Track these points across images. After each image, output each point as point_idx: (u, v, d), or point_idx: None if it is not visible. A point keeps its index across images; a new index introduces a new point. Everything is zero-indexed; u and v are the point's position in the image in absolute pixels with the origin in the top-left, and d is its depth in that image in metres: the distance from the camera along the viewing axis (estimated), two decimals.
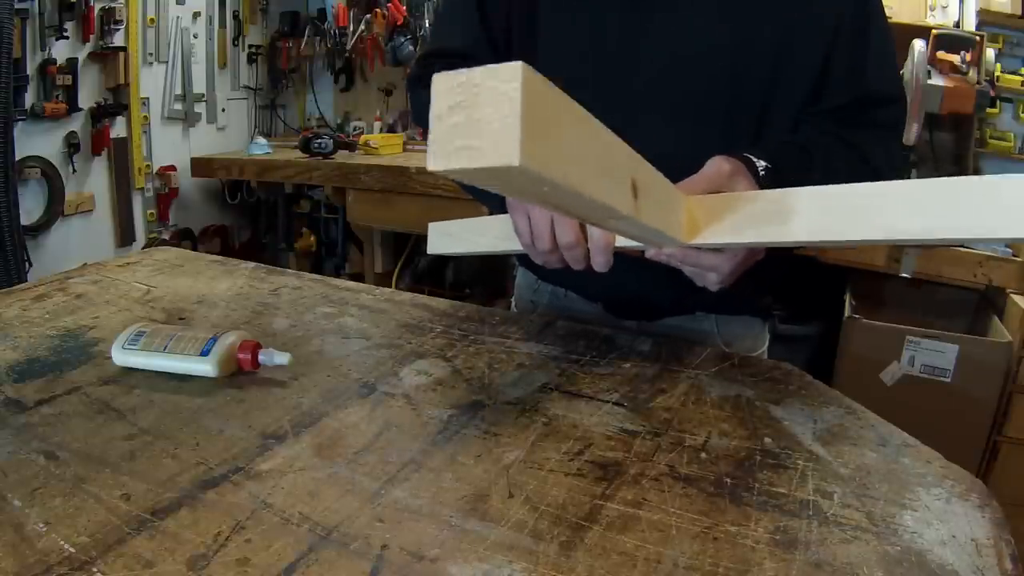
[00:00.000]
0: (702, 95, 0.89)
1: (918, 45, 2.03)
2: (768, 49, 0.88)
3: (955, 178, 0.53)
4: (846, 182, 0.72)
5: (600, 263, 0.71)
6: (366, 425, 0.66)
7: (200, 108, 3.13)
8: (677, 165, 0.85)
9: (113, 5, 2.60)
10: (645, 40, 0.88)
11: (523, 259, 1.01)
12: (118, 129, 2.76)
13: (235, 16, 3.27)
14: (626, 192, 0.49)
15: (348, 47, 3.23)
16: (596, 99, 0.79)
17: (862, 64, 0.92)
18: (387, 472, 0.59)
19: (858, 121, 0.93)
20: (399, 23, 3.09)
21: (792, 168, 0.81)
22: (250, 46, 3.40)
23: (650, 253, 0.72)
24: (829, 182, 0.71)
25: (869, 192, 0.57)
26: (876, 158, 0.91)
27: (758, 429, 0.68)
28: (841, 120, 0.92)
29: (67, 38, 2.47)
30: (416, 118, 1.32)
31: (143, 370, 0.75)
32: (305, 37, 3.35)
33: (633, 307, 0.99)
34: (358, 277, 3.06)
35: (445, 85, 0.36)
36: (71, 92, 2.49)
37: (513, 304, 1.15)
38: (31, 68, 2.38)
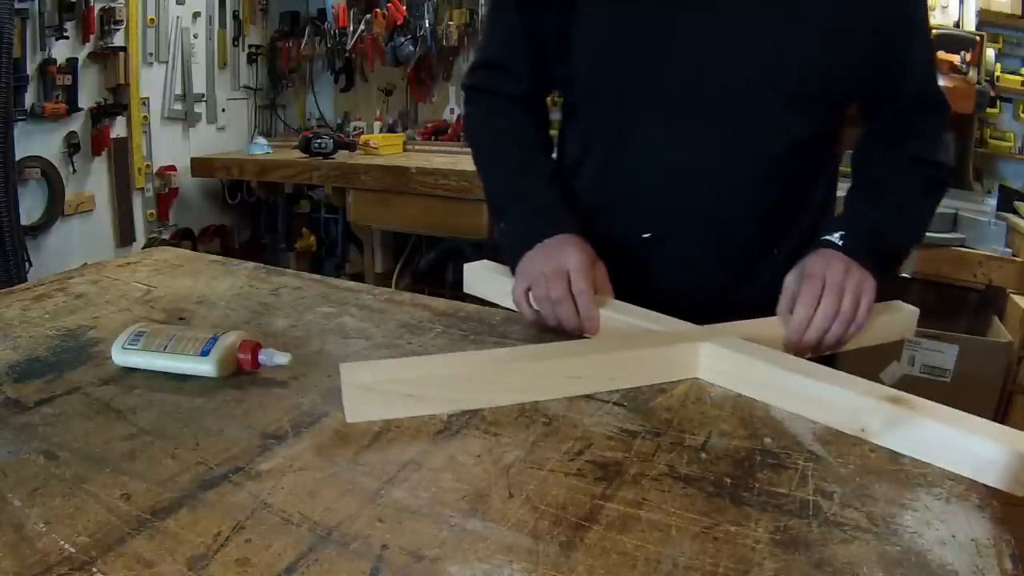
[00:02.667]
0: (740, 96, 0.88)
1: None
2: (808, 52, 0.88)
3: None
4: (922, 197, 0.93)
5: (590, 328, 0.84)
6: (366, 425, 0.66)
7: (200, 108, 3.13)
8: (715, 172, 0.89)
9: (113, 5, 2.60)
10: (681, 38, 0.88)
11: None
12: (118, 129, 2.77)
13: (235, 16, 3.27)
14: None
15: (348, 47, 3.24)
16: (633, 98, 0.88)
17: (911, 69, 0.95)
18: (387, 472, 0.59)
19: (908, 130, 0.98)
20: (399, 23, 3.09)
21: (867, 218, 0.90)
22: (250, 46, 3.40)
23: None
24: (906, 208, 0.90)
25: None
26: (939, 153, 0.98)
27: (758, 429, 0.68)
28: (893, 134, 0.98)
29: (67, 38, 2.47)
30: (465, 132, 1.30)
31: (143, 370, 0.75)
32: (305, 37, 3.35)
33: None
34: (358, 277, 3.06)
35: None
36: (71, 92, 2.49)
37: None
38: (31, 68, 2.38)
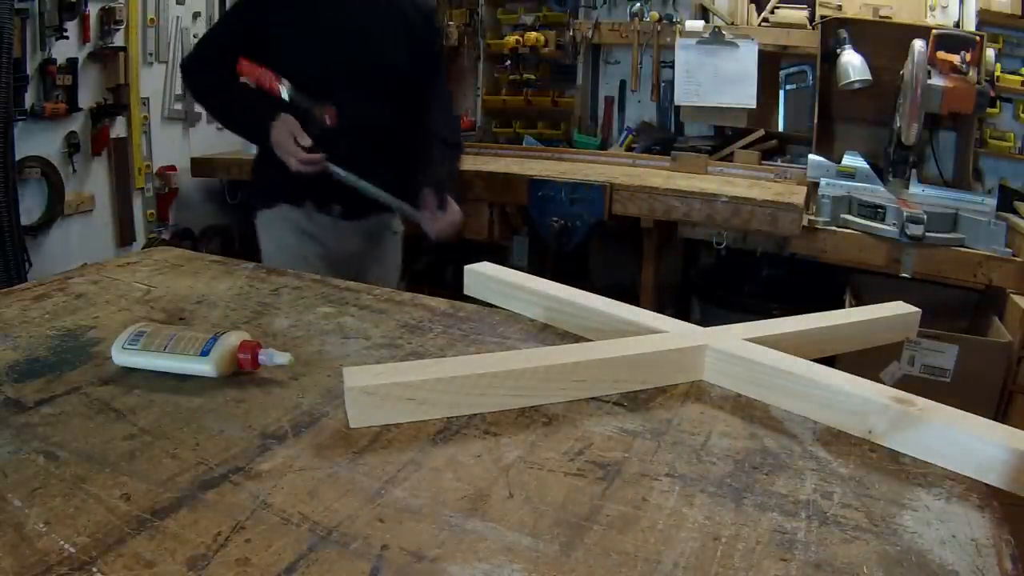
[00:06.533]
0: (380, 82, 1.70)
1: (918, 45, 2.02)
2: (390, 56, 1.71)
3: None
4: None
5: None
6: (366, 425, 0.66)
7: (200, 108, 3.13)
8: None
9: (113, 5, 2.60)
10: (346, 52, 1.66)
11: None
12: (118, 129, 2.76)
13: None
14: None
15: None
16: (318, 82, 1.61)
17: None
18: (387, 472, 0.59)
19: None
20: None
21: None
22: None
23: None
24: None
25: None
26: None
27: (758, 429, 0.68)
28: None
29: (67, 38, 2.46)
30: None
31: (143, 370, 0.75)
32: None
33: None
34: None
35: None
36: (71, 92, 2.49)
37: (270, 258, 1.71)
38: (31, 68, 2.37)
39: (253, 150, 3.09)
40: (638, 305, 0.90)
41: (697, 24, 2.60)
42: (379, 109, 1.70)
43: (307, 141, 1.54)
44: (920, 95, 2.00)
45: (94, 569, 0.46)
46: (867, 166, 2.14)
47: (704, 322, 0.87)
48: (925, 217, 1.90)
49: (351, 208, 1.71)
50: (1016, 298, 1.87)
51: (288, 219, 1.72)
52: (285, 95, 1.54)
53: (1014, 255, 1.90)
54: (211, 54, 1.68)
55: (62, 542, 0.49)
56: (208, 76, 1.67)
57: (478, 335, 0.90)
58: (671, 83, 2.68)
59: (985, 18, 2.32)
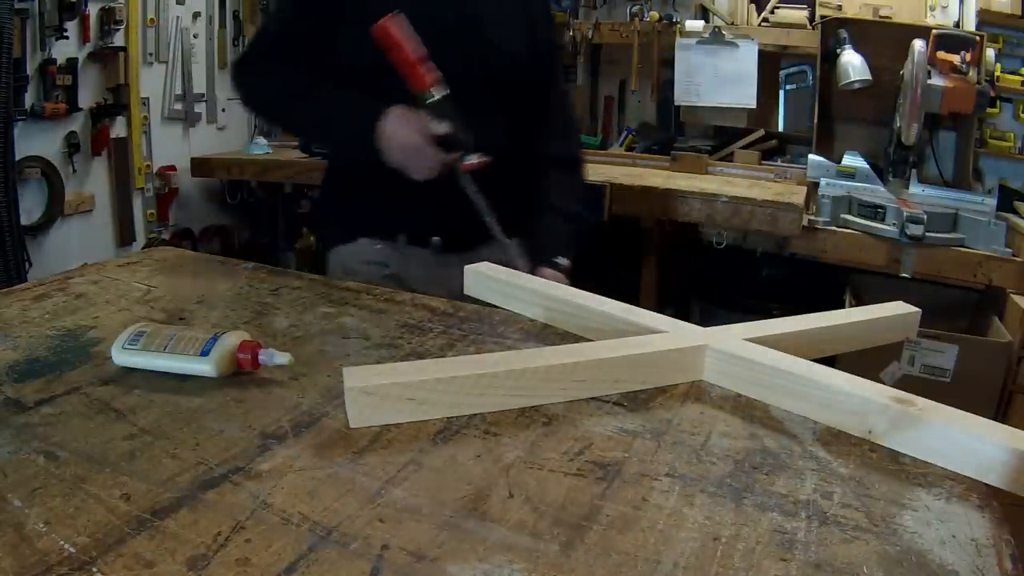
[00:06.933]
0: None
1: (918, 45, 2.02)
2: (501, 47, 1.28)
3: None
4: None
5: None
6: (366, 425, 0.66)
7: (200, 108, 3.13)
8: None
9: (113, 5, 2.60)
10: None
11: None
12: (118, 129, 2.76)
13: (235, 16, 3.27)
14: None
15: None
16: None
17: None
18: (387, 472, 0.59)
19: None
20: None
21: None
22: None
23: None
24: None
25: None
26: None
27: (758, 429, 0.68)
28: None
29: (67, 38, 2.46)
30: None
31: (143, 370, 0.75)
32: None
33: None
34: None
35: None
36: (71, 92, 2.49)
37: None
38: (31, 68, 2.37)
39: (254, 150, 3.10)
40: (638, 305, 0.90)
41: (697, 24, 2.60)
42: (493, 116, 1.28)
43: (443, 128, 1.12)
44: (920, 95, 2.00)
45: (94, 569, 0.46)
46: (867, 166, 2.14)
47: (704, 322, 0.87)
48: (925, 217, 1.90)
49: (455, 239, 1.29)
50: (1016, 298, 1.87)
51: (370, 258, 1.31)
52: (436, 94, 1.12)
53: (1014, 255, 1.90)
54: (274, 48, 1.27)
55: (62, 542, 0.49)
56: (272, 75, 1.25)
57: (478, 335, 0.90)
58: (671, 83, 2.67)
59: (985, 18, 2.32)
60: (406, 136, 1.12)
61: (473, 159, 1.15)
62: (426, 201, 1.20)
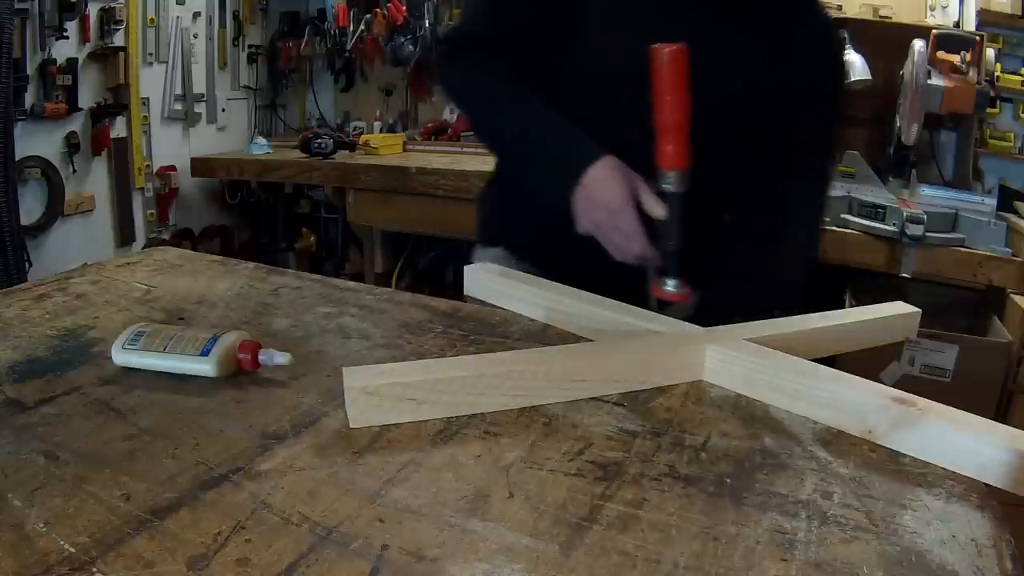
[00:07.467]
0: (729, 126, 0.95)
1: (918, 45, 2.03)
2: (771, 91, 0.99)
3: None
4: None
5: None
6: (366, 425, 0.66)
7: (200, 108, 3.13)
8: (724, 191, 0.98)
9: (113, 5, 2.60)
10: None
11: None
12: (118, 129, 2.76)
13: (235, 16, 3.27)
14: None
15: (348, 47, 3.23)
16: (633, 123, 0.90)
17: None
18: (387, 472, 0.59)
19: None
20: (399, 23, 3.09)
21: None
22: (250, 46, 3.40)
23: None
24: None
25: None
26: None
27: (758, 429, 0.68)
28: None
29: (67, 38, 2.47)
30: (450, 95, 1.26)
31: (143, 370, 0.75)
32: (305, 37, 3.35)
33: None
34: (358, 277, 3.06)
35: None
36: (71, 92, 2.49)
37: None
38: (31, 68, 2.38)
39: (254, 150, 3.11)
40: (638, 305, 0.90)
41: None
42: (722, 162, 0.92)
43: (660, 212, 0.89)
44: (920, 95, 2.00)
45: (94, 569, 0.46)
46: (867, 166, 2.14)
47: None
48: (925, 217, 1.90)
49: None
50: (1016, 298, 1.87)
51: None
52: (673, 187, 0.89)
53: (1014, 255, 1.90)
54: (484, 33, 1.04)
55: (62, 542, 0.49)
56: (475, 67, 1.04)
57: (478, 335, 0.90)
58: None
59: (985, 18, 2.32)
60: (612, 194, 0.89)
61: (671, 288, 0.92)
62: (604, 277, 0.92)
